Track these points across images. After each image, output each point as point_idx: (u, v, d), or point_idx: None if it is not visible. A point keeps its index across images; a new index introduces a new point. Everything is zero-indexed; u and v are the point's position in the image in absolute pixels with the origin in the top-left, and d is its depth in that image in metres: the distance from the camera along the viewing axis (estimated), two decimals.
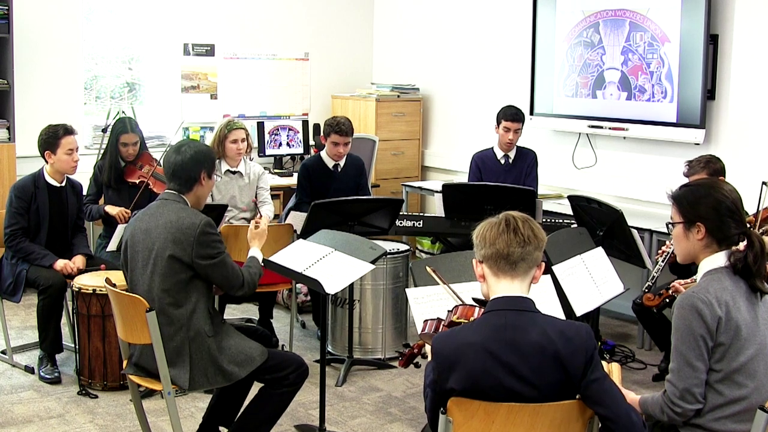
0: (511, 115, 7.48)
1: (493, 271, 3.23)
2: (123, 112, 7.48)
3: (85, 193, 6.75)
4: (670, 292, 5.41)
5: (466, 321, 3.37)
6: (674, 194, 3.67)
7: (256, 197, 7.15)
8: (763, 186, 5.77)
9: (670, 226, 3.70)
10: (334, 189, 7.19)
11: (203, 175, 4.63)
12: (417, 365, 3.86)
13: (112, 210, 6.78)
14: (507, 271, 3.20)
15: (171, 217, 4.50)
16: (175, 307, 4.47)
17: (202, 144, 4.83)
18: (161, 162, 7.01)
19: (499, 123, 7.54)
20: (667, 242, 5.91)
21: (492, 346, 3.08)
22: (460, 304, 3.55)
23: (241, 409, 4.80)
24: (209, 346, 4.49)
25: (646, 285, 5.86)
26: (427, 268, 4.10)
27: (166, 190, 4.65)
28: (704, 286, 3.47)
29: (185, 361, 4.45)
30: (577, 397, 3.14)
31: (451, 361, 3.11)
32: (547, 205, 7.45)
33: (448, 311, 3.53)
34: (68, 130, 6.20)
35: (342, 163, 7.36)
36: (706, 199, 3.55)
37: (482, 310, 3.33)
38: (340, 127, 7.15)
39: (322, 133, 7.39)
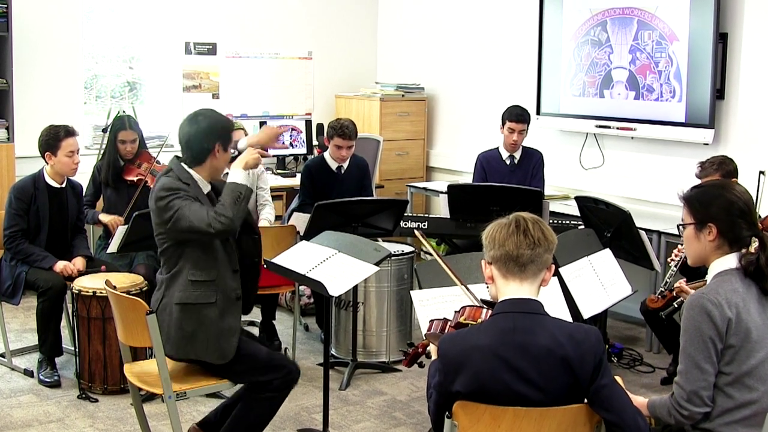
0: (515, 116, 7.43)
1: (502, 272, 3.21)
2: (123, 111, 7.49)
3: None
4: (674, 293, 5.37)
5: (473, 322, 3.35)
6: (685, 195, 3.65)
7: (256, 199, 7.08)
8: (761, 175, 5.79)
9: (681, 227, 3.67)
10: (337, 191, 7.14)
11: (218, 147, 4.57)
12: (421, 365, 3.86)
13: (105, 218, 6.75)
14: (516, 273, 3.19)
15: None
16: (165, 270, 4.55)
17: (218, 113, 4.74)
18: (159, 160, 7.03)
19: (503, 123, 7.50)
20: (679, 246, 5.87)
21: (500, 349, 3.07)
22: (468, 305, 3.52)
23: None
24: (178, 315, 4.49)
25: (660, 291, 5.83)
26: (416, 233, 4.08)
27: (173, 158, 4.63)
28: (714, 287, 3.44)
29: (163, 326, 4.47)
30: (585, 401, 3.12)
31: (457, 364, 3.10)
32: (554, 206, 7.41)
33: (455, 312, 3.51)
34: (69, 132, 6.17)
35: (345, 164, 7.31)
36: (717, 200, 3.53)
37: (490, 311, 3.31)
38: (343, 130, 7.09)
39: (325, 135, 7.34)
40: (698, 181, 5.84)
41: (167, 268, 4.53)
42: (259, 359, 4.59)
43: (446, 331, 3.48)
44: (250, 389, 4.61)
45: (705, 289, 3.45)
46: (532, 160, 7.59)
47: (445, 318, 3.58)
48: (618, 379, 3.51)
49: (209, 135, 4.54)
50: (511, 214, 3.26)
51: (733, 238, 3.51)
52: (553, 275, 3.62)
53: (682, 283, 5.20)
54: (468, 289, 3.86)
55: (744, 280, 3.46)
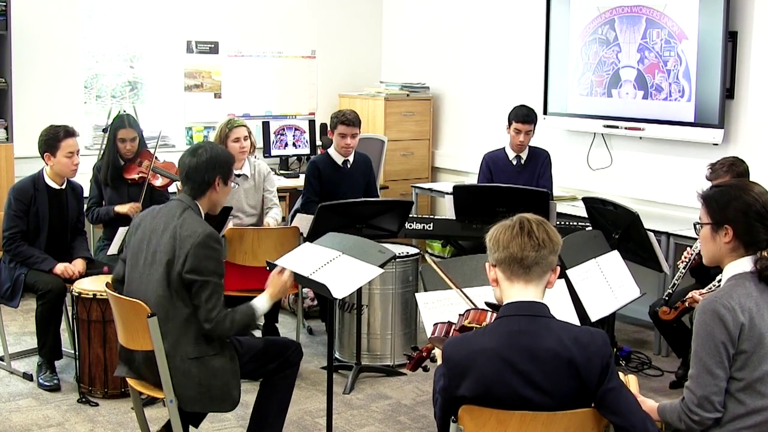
0: (522, 116, 7.37)
1: (507, 275, 3.20)
2: (124, 111, 7.43)
3: (86, 196, 6.66)
4: (686, 304, 5.33)
5: (478, 326, 3.35)
6: (704, 194, 3.63)
7: (263, 202, 7.02)
8: None
9: (697, 226, 3.63)
10: (345, 186, 7.15)
11: (218, 181, 4.56)
12: (425, 369, 3.91)
13: (122, 208, 6.64)
14: (521, 276, 3.18)
15: (177, 222, 4.40)
16: (165, 319, 4.36)
17: (221, 147, 4.79)
18: (158, 157, 6.97)
19: (510, 124, 7.44)
20: (688, 248, 5.86)
21: (505, 352, 3.06)
22: (472, 308, 3.51)
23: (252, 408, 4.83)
24: (188, 367, 4.39)
25: (667, 293, 5.82)
26: (429, 261, 4.10)
27: (181, 193, 4.60)
28: (728, 291, 3.41)
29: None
30: (592, 405, 3.12)
31: (462, 368, 3.09)
32: (561, 207, 7.37)
33: (459, 315, 3.50)
34: (69, 132, 6.15)
35: (351, 159, 7.28)
36: (736, 202, 3.50)
37: (494, 314, 3.31)
38: (345, 117, 7.11)
39: (329, 128, 7.35)
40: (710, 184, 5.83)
41: (173, 313, 4.36)
42: (262, 350, 4.65)
43: (450, 334, 3.48)
44: (267, 377, 4.70)
45: (718, 293, 3.42)
46: (539, 160, 7.54)
47: (449, 321, 3.57)
48: (632, 380, 3.54)
49: (210, 168, 4.53)
50: (515, 215, 3.24)
51: (749, 241, 3.47)
52: (561, 277, 3.60)
53: (695, 293, 5.15)
54: (466, 295, 3.83)
55: (758, 285, 3.43)
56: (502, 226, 3.21)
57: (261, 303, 4.55)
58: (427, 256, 4.27)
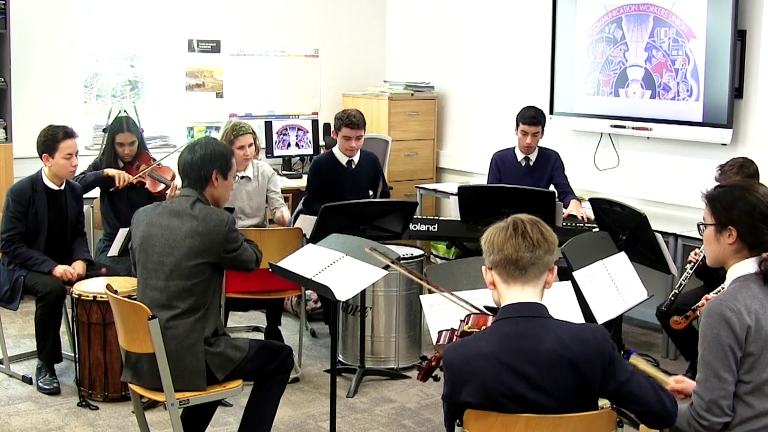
0: (528, 118, 7.33)
1: (503, 277, 3.19)
2: (125, 111, 7.44)
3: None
4: (698, 312, 5.29)
5: (478, 330, 3.32)
6: (708, 194, 3.62)
7: (267, 203, 6.97)
8: None
9: (701, 227, 3.62)
10: (348, 187, 7.11)
11: (215, 175, 4.61)
12: (436, 378, 3.81)
13: (112, 171, 6.69)
14: (517, 277, 3.17)
15: (195, 213, 4.51)
16: (192, 308, 4.50)
17: (219, 143, 4.84)
18: (160, 162, 6.93)
19: (517, 125, 7.39)
20: (696, 250, 5.85)
21: (504, 355, 3.06)
22: (473, 313, 3.49)
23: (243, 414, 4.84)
24: (216, 343, 4.56)
25: (673, 293, 5.78)
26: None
27: (185, 187, 4.65)
28: (733, 293, 3.40)
29: (201, 361, 4.47)
30: (601, 406, 3.14)
31: (463, 374, 3.10)
32: None
33: (461, 320, 3.47)
34: (68, 133, 6.13)
35: (356, 159, 7.24)
36: (740, 203, 3.48)
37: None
38: (350, 119, 7.05)
39: (333, 128, 7.31)
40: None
41: (195, 301, 4.50)
42: (263, 348, 4.73)
43: (453, 340, 3.45)
44: (265, 378, 4.72)
45: (723, 296, 3.41)
46: (549, 162, 7.50)
47: (452, 328, 3.54)
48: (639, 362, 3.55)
49: (206, 162, 4.59)
50: (510, 216, 3.24)
51: (754, 242, 3.46)
52: (567, 279, 3.53)
53: (706, 301, 5.12)
54: (462, 299, 3.79)
55: (763, 286, 3.41)
56: (495, 228, 3.20)
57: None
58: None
